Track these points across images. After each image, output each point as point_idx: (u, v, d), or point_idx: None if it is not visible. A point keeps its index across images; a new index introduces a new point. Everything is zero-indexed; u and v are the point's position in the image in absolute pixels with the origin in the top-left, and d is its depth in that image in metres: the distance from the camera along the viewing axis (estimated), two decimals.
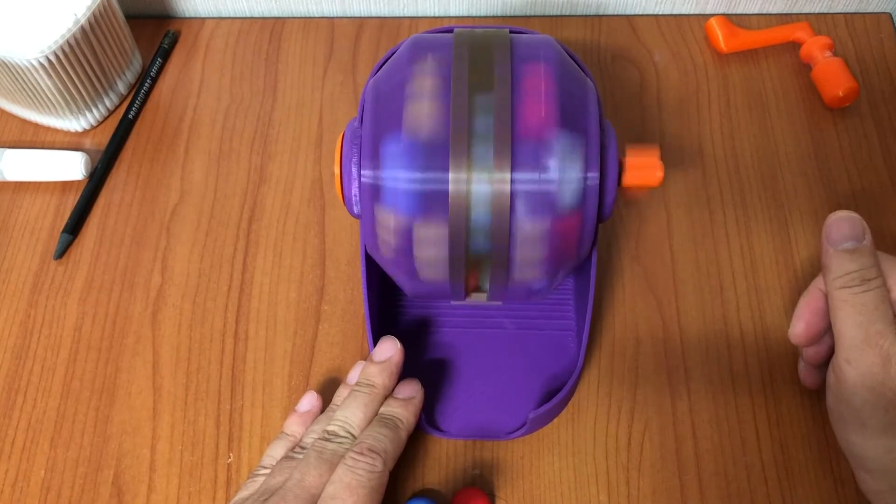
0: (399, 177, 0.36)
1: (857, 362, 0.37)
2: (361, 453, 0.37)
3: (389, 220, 0.37)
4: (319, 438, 0.39)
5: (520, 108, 0.36)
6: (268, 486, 0.38)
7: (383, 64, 0.42)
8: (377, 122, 0.37)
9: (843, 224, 0.39)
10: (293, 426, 0.42)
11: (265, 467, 0.40)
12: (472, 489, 0.42)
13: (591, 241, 0.40)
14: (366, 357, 0.46)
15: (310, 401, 0.43)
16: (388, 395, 0.41)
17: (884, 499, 0.37)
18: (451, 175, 0.35)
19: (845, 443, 0.39)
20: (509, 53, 0.37)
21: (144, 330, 0.48)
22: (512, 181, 0.35)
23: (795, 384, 0.45)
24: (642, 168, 0.39)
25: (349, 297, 0.48)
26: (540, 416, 0.42)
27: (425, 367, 0.46)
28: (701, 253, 0.49)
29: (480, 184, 0.35)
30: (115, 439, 0.44)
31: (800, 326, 0.41)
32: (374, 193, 0.37)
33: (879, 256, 0.39)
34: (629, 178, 0.39)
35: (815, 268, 0.49)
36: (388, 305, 0.47)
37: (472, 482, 0.43)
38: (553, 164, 0.36)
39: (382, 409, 0.40)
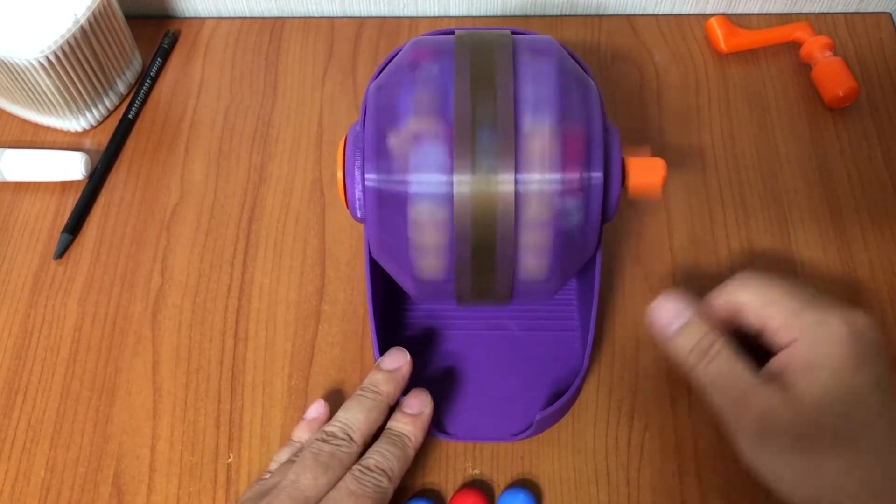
0: (404, 180, 0.36)
1: (740, 433, 0.36)
2: (369, 468, 0.37)
3: (394, 223, 0.37)
4: (317, 439, 0.39)
5: (522, 110, 0.36)
6: (263, 488, 0.38)
7: (384, 67, 0.42)
8: (380, 125, 0.37)
9: (661, 312, 0.39)
10: (301, 433, 0.42)
11: (272, 473, 0.40)
12: (471, 489, 0.42)
13: (596, 242, 0.40)
14: (366, 357, 0.46)
15: (317, 408, 0.43)
16: (392, 403, 0.41)
17: None
18: (455, 177, 0.35)
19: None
20: (511, 55, 0.37)
21: (144, 330, 0.48)
22: (516, 182, 0.35)
23: None
24: (645, 169, 0.39)
25: (349, 297, 0.48)
26: (546, 417, 0.42)
27: (430, 369, 0.45)
28: (701, 253, 0.49)
29: (485, 186, 0.35)
30: (115, 439, 0.44)
31: None
32: (378, 197, 0.37)
33: (728, 285, 0.38)
34: (633, 180, 0.39)
35: (816, 268, 0.49)
36: (392, 308, 0.47)
37: (471, 482, 0.43)
38: (557, 164, 0.35)
39: (391, 424, 0.40)
